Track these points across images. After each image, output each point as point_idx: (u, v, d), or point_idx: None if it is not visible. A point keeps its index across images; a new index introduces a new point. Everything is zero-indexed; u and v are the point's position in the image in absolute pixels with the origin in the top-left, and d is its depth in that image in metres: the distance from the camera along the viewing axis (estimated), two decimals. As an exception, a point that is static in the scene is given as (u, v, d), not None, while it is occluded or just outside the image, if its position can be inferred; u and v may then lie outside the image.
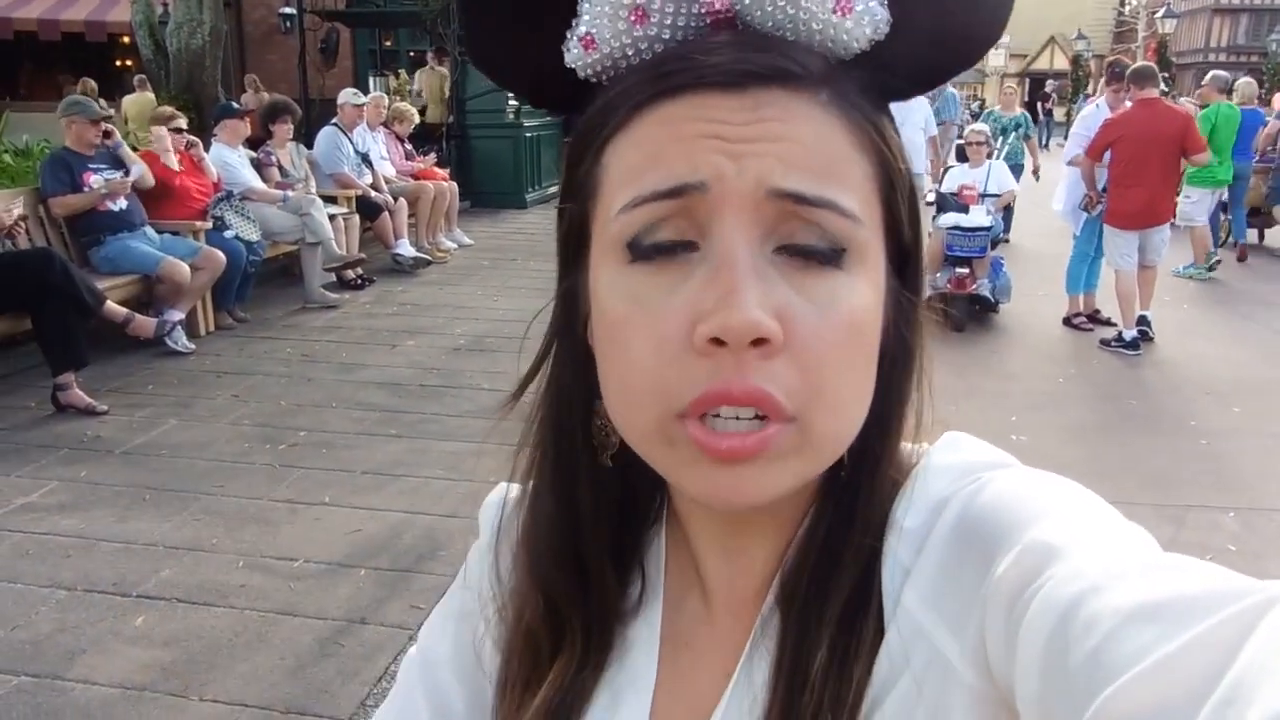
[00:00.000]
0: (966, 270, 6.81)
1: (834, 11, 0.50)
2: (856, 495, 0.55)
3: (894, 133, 0.53)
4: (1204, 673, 0.35)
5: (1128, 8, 39.88)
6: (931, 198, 7.86)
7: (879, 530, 0.54)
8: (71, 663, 2.73)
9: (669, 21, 0.51)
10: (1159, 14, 31.12)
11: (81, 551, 3.39)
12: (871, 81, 0.52)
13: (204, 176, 6.60)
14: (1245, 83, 10.66)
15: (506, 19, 0.55)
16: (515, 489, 0.67)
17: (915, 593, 0.51)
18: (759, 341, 0.46)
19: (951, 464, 0.55)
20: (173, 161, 6.32)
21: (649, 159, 0.49)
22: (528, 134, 11.91)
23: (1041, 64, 35.38)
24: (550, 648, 0.62)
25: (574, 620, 0.61)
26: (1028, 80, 35.74)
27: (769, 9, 0.50)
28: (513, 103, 11.74)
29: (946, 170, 8.13)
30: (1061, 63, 33.81)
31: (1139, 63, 7.79)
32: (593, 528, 0.60)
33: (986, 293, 6.92)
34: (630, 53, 0.51)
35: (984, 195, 7.31)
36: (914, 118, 8.10)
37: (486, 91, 11.56)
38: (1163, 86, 7.38)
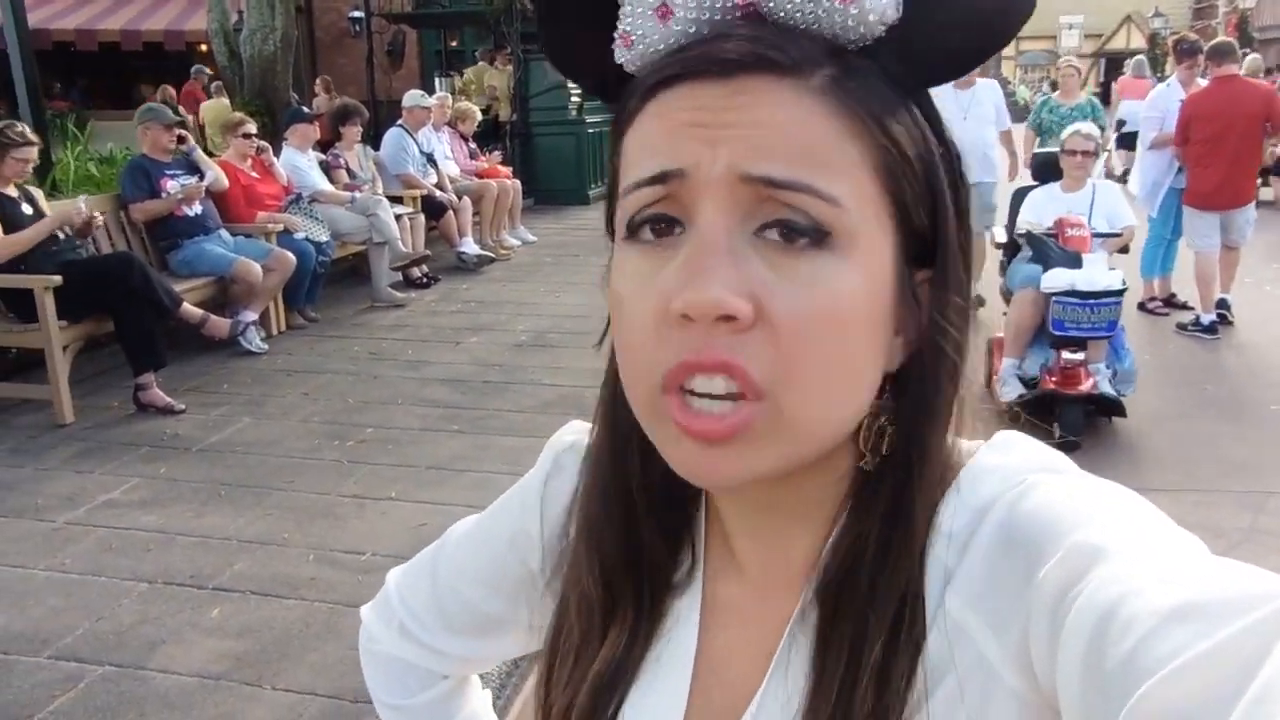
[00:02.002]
0: (1079, 357, 4.41)
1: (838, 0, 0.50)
2: (902, 490, 0.54)
3: (913, 121, 0.52)
4: (1237, 671, 0.35)
5: (1208, -18, 38.45)
6: (999, 231, 5.87)
7: (926, 527, 0.54)
8: (152, 652, 2.85)
9: (691, 16, 0.52)
10: (1242, -13, 29.96)
11: (161, 546, 3.52)
12: (892, 69, 0.51)
13: (275, 180, 6.78)
14: (1253, 58, 10.19)
15: (572, 25, 0.58)
16: (583, 434, 0.69)
17: (958, 596, 0.51)
18: (727, 318, 0.47)
19: (999, 465, 0.54)
20: (246, 167, 6.51)
21: (644, 148, 0.51)
22: (590, 130, 11.95)
23: (1117, 43, 34.34)
24: (603, 619, 0.63)
25: (627, 590, 0.63)
26: (1103, 60, 34.71)
27: (783, 1, 0.51)
28: (575, 99, 11.80)
29: (1023, 194, 5.54)
30: (1138, 41, 32.74)
31: (1218, 38, 7.40)
32: (644, 499, 0.62)
33: (1108, 387, 4.50)
34: (661, 47, 0.53)
35: (1095, 235, 4.83)
36: (980, 109, 6.59)
37: (549, 89, 11.64)
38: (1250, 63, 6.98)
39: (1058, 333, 4.42)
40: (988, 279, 6.03)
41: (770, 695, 0.57)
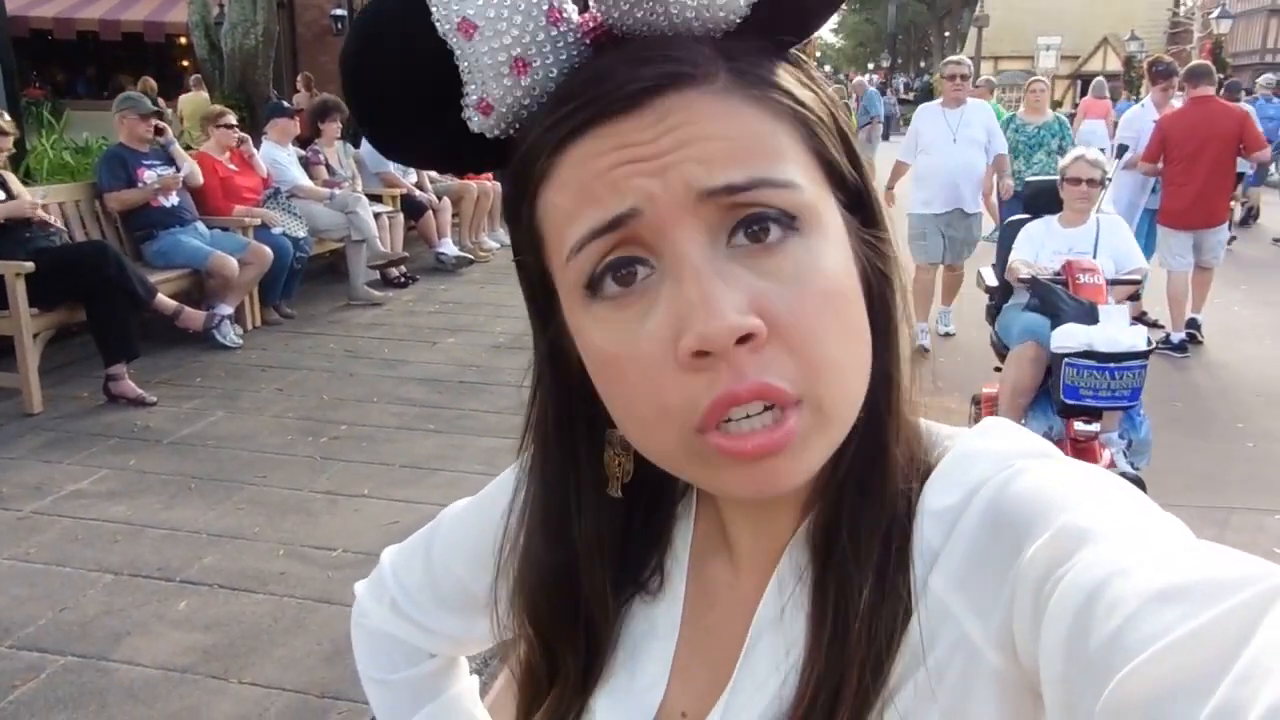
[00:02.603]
0: (1093, 429, 3.73)
1: None
2: (874, 446, 0.54)
3: (803, 78, 0.53)
4: (1221, 651, 0.35)
5: (1182, 8, 39.07)
6: (988, 272, 4.80)
7: (908, 474, 0.54)
8: (117, 644, 2.81)
9: (550, 60, 0.51)
10: (1214, 14, 30.46)
11: (129, 537, 3.48)
12: (763, 43, 0.52)
13: (254, 173, 6.74)
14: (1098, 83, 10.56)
15: (404, 120, 0.55)
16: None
17: (942, 576, 0.51)
18: (744, 339, 0.46)
19: (987, 449, 0.54)
20: (225, 160, 6.46)
21: (577, 201, 0.49)
22: (572, 134, 11.96)
23: (1094, 65, 34.74)
24: (548, 682, 0.64)
25: (569, 659, 0.63)
26: (1079, 81, 35.13)
27: (637, 13, 0.50)
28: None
29: (1015, 228, 4.61)
30: (1114, 64, 33.17)
31: (1195, 61, 7.51)
32: (590, 568, 0.61)
33: (1125, 464, 3.84)
34: (527, 102, 0.52)
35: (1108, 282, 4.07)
36: (969, 131, 6.09)
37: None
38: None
39: (1070, 401, 3.65)
40: (967, 320, 6.00)
41: (747, 671, 0.58)
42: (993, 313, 4.67)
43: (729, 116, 0.48)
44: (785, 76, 0.52)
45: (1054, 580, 0.43)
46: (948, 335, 6.59)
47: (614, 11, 0.50)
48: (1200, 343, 6.44)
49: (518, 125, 0.53)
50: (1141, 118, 6.76)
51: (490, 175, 9.80)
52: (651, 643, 0.63)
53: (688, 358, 0.46)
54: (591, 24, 0.51)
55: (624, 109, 0.48)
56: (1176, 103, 6.70)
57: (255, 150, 6.85)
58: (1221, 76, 10.92)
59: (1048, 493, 0.49)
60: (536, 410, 0.61)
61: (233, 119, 6.67)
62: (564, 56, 0.51)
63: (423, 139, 0.56)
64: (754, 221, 0.48)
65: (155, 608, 3.02)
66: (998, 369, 4.37)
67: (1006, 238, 4.67)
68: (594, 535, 0.60)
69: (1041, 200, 4.60)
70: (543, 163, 0.50)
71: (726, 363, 0.46)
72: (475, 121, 0.52)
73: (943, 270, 6.40)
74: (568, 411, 0.59)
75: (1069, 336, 3.65)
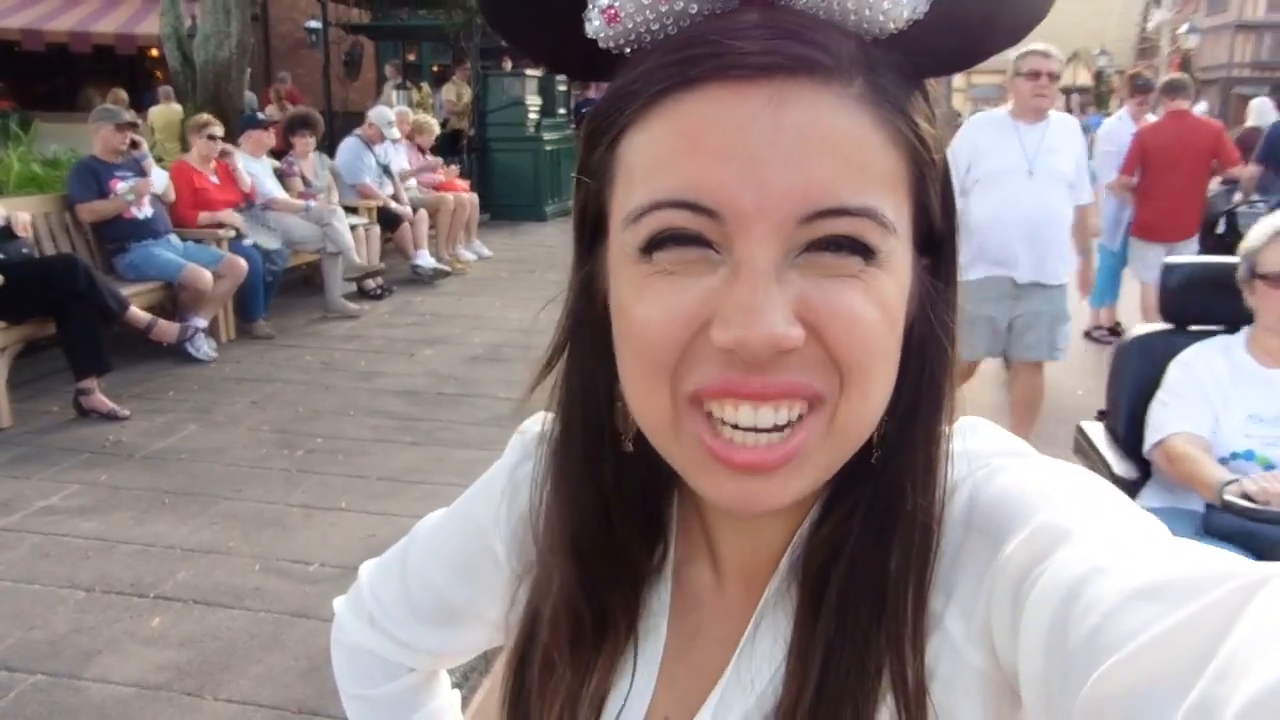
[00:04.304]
0: None
1: None
2: (899, 479, 0.53)
3: (928, 112, 0.50)
4: (1199, 647, 0.35)
5: (1151, 24, 39.69)
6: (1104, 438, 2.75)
7: (932, 509, 0.53)
8: (88, 662, 2.76)
9: None
10: (1182, 30, 30.99)
11: (100, 553, 3.41)
12: (906, 63, 0.48)
13: (235, 187, 6.68)
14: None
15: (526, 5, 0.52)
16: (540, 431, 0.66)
17: None
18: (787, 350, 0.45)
19: (964, 451, 0.54)
20: (207, 171, 6.41)
21: (663, 165, 0.46)
22: (548, 147, 11.99)
23: (1065, 80, 35.28)
24: (593, 630, 0.61)
25: (615, 604, 0.61)
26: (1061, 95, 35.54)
27: None
28: (533, 116, 11.82)
29: (1128, 357, 2.62)
30: (1085, 78, 33.63)
31: (1172, 75, 7.59)
32: (620, 508, 0.59)
33: None
34: (655, 27, 0.48)
35: None
36: (1052, 161, 3.81)
37: (508, 105, 11.64)
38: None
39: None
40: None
41: (734, 680, 0.57)
42: (1122, 486, 2.37)
43: (853, 131, 0.45)
44: (917, 106, 0.49)
45: (1032, 579, 0.43)
46: None
47: None
48: (1173, 353, 6.50)
49: (636, 46, 0.49)
50: (1119, 130, 6.82)
51: (467, 187, 9.79)
52: (645, 638, 0.62)
53: (714, 348, 0.46)
54: None
55: (744, 77, 0.44)
56: (1152, 117, 6.79)
57: (239, 164, 6.80)
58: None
59: (1025, 491, 0.50)
60: (566, 348, 0.59)
61: (218, 129, 6.59)
62: None
63: (540, 27, 0.53)
64: (839, 243, 0.46)
65: (127, 624, 2.96)
66: None
67: (1135, 362, 2.62)
68: (616, 482, 0.59)
69: (1192, 298, 2.59)
70: (642, 104, 0.47)
71: (755, 362, 0.45)
72: (595, 25, 0.49)
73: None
74: (591, 348, 0.57)
75: None
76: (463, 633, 0.76)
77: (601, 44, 0.49)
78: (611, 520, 0.59)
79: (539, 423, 0.70)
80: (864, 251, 0.46)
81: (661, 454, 0.52)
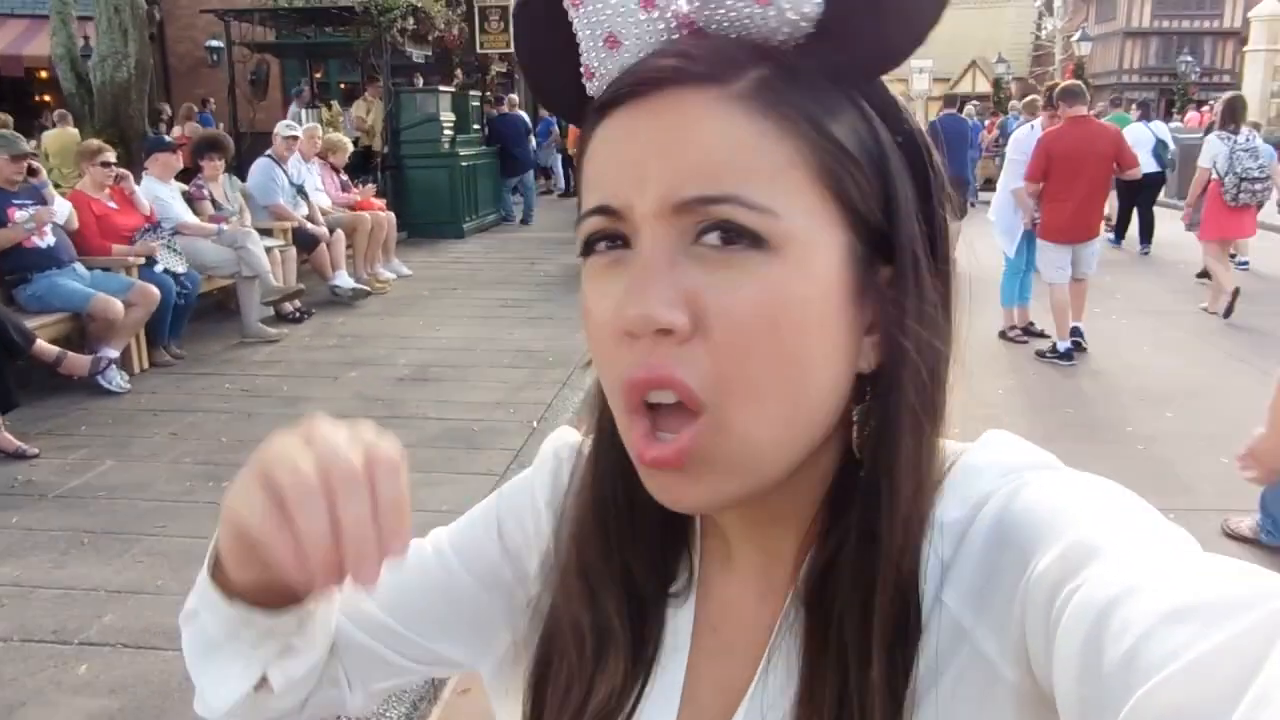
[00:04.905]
0: None
1: (755, 2, 0.50)
2: (878, 496, 0.53)
3: (859, 115, 0.52)
4: (1237, 673, 0.34)
5: (1044, 32, 41.24)
6: None
7: (915, 529, 0.53)
8: (10, 716, 2.62)
9: (638, 42, 0.52)
10: (1075, 38, 32.25)
11: (17, 600, 3.25)
12: (832, 64, 0.51)
13: (135, 211, 6.45)
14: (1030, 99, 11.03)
15: (551, 69, 0.59)
16: (576, 442, 0.69)
17: (955, 590, 0.51)
18: (666, 331, 0.48)
19: (992, 462, 0.54)
20: (104, 197, 6.17)
21: (593, 178, 0.53)
22: (464, 163, 11.87)
23: (964, 87, 36.23)
24: (615, 650, 0.60)
25: (638, 623, 0.61)
26: (959, 103, 36.70)
27: (711, 11, 0.51)
28: (448, 132, 11.69)
29: None
30: (984, 85, 34.69)
31: (1067, 81, 7.86)
32: (642, 518, 0.60)
33: None
34: (616, 75, 0.53)
35: None
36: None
37: (421, 121, 11.50)
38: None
39: None
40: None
41: (757, 698, 0.57)
42: None
43: (721, 124, 0.49)
44: (826, 104, 0.51)
45: (1064, 598, 0.43)
46: None
47: (704, 9, 0.52)
48: (1085, 350, 6.73)
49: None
50: (1029, 140, 6.99)
51: (384, 205, 9.64)
52: (669, 658, 0.62)
53: (618, 335, 0.50)
54: (684, 15, 0.52)
55: (630, 95, 0.51)
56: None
57: (136, 187, 6.57)
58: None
59: (1053, 505, 0.49)
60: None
61: (111, 156, 6.36)
62: (651, 40, 0.52)
63: (561, 90, 0.59)
64: (724, 229, 0.49)
65: (52, 674, 2.82)
66: None
67: None
68: (626, 491, 0.60)
69: None
70: (586, 131, 0.55)
71: (647, 347, 0.49)
72: (587, 85, 0.56)
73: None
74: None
75: None
76: (444, 638, 0.72)
77: (592, 98, 0.55)
78: (635, 533, 0.61)
79: (571, 434, 0.72)
80: (752, 238, 0.48)
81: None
